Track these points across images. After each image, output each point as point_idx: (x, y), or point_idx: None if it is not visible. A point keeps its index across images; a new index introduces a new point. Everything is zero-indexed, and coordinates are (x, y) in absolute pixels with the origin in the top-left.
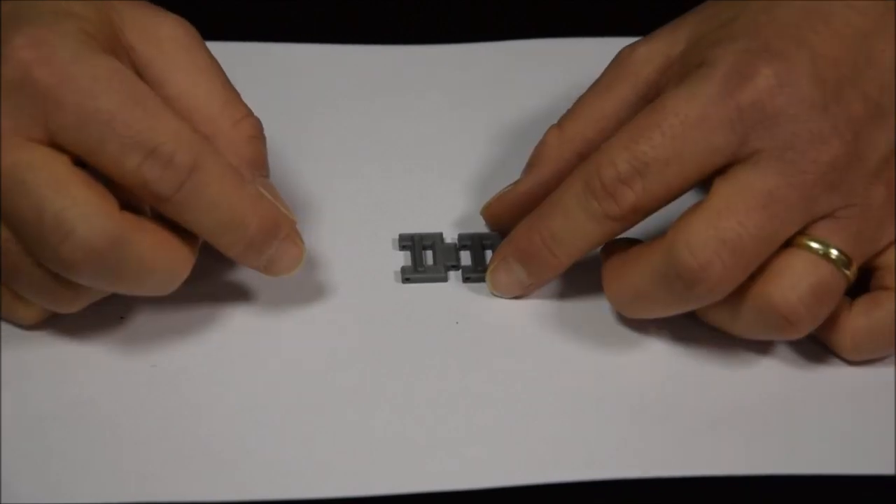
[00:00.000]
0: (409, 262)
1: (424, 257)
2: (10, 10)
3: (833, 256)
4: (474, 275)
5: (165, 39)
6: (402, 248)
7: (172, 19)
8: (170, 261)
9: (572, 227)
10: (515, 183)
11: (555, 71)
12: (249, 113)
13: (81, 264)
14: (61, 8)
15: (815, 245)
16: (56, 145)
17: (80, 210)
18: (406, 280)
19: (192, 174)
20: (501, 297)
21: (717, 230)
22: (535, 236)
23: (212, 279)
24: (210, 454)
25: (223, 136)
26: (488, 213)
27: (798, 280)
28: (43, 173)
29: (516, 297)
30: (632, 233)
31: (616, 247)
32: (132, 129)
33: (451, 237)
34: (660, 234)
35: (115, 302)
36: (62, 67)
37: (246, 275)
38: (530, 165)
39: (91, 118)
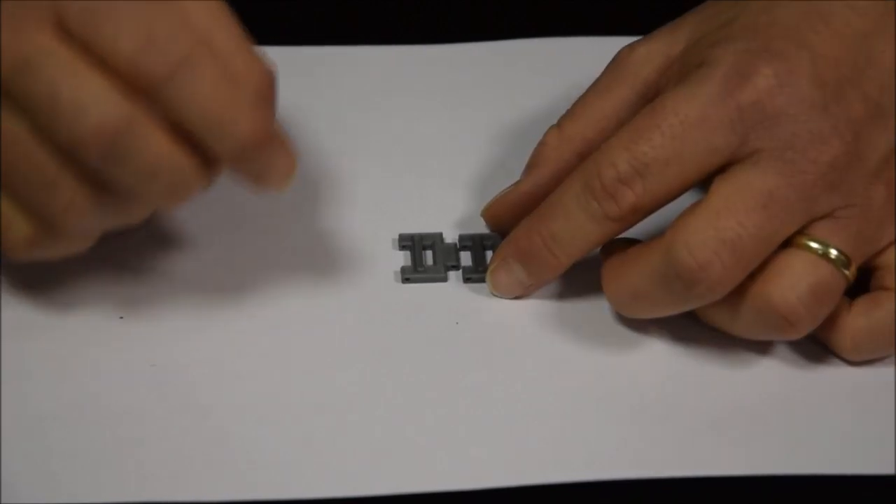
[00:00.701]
0: (409, 262)
1: (424, 257)
2: None
3: (832, 256)
4: (475, 275)
5: None
6: (402, 248)
7: None
8: (179, 161)
9: (572, 227)
10: (515, 184)
11: (555, 71)
12: (263, 61)
13: (94, 140)
14: None
15: (814, 245)
16: (63, 31)
17: (95, 90)
18: (406, 280)
19: (185, 65)
20: (502, 297)
21: (716, 230)
22: (535, 237)
23: (212, 279)
24: (210, 454)
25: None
26: (488, 214)
27: (797, 280)
28: (58, 57)
29: (516, 298)
30: (631, 233)
31: (615, 247)
32: (131, 16)
33: (451, 237)
34: (659, 234)
35: (116, 302)
36: None
37: (246, 275)
38: (530, 166)
39: (98, 6)
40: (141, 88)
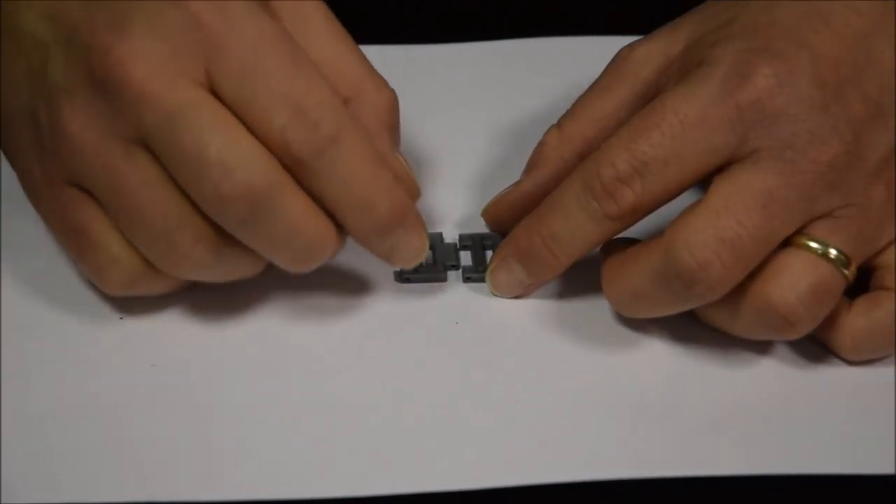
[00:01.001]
0: None
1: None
2: None
3: (832, 256)
4: (475, 275)
5: (307, 8)
6: None
7: None
8: (316, 230)
9: (572, 227)
10: (515, 184)
11: (555, 71)
12: (387, 84)
13: (238, 202)
14: None
15: (814, 245)
16: (213, 93)
17: (244, 151)
18: (405, 280)
19: (333, 143)
20: (501, 297)
21: (716, 229)
22: (535, 236)
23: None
24: (210, 454)
25: (368, 100)
26: (489, 214)
27: (797, 280)
28: (207, 112)
29: (516, 297)
30: (631, 232)
31: (615, 246)
32: (285, 89)
33: (451, 237)
34: (658, 234)
35: (115, 302)
36: (232, 17)
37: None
38: (530, 166)
39: (251, 70)
40: (288, 160)
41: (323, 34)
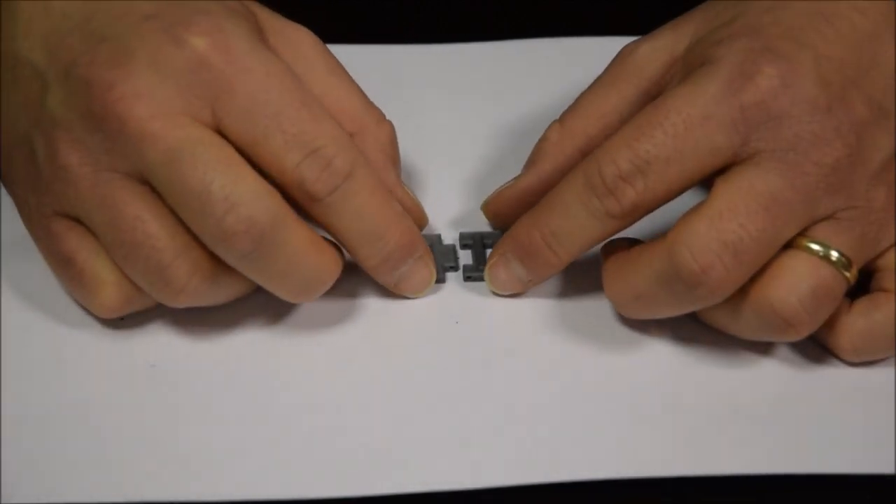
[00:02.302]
0: None
1: None
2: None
3: (833, 258)
4: (475, 274)
5: (304, 45)
6: None
7: (300, 27)
8: (319, 261)
9: (573, 224)
10: (516, 178)
11: (555, 71)
12: (384, 116)
13: (242, 237)
14: (226, 4)
15: (815, 247)
16: (219, 132)
17: (248, 187)
18: None
19: (347, 179)
20: (500, 293)
21: (718, 232)
22: (535, 233)
23: None
24: (210, 454)
25: (370, 134)
26: (488, 209)
27: (798, 282)
28: (212, 150)
29: (514, 295)
30: (632, 231)
31: (616, 247)
32: (297, 128)
33: (451, 237)
34: (661, 235)
35: None
36: (238, 57)
37: None
38: (531, 161)
39: (260, 110)
40: (300, 196)
41: (321, 69)
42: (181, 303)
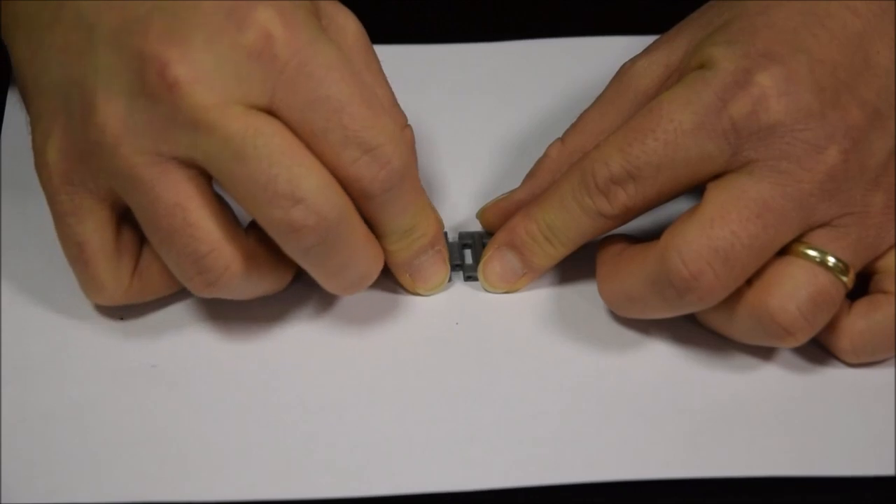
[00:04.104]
0: None
1: None
2: None
3: (830, 264)
4: (475, 273)
5: (350, 34)
6: None
7: (349, 13)
8: (372, 256)
9: (568, 218)
10: (513, 191)
11: (555, 71)
12: (407, 120)
13: (309, 231)
14: None
15: (812, 253)
16: (275, 113)
17: (315, 179)
18: None
19: (401, 179)
20: (493, 291)
21: (709, 239)
22: (532, 225)
23: None
24: (210, 454)
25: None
26: (483, 217)
27: (796, 289)
28: (276, 139)
29: (513, 294)
30: (630, 227)
31: (611, 245)
32: (357, 125)
33: (450, 236)
34: (654, 237)
35: None
36: (302, 47)
37: None
38: (530, 175)
39: (321, 104)
40: (355, 192)
41: (360, 62)
42: (209, 293)
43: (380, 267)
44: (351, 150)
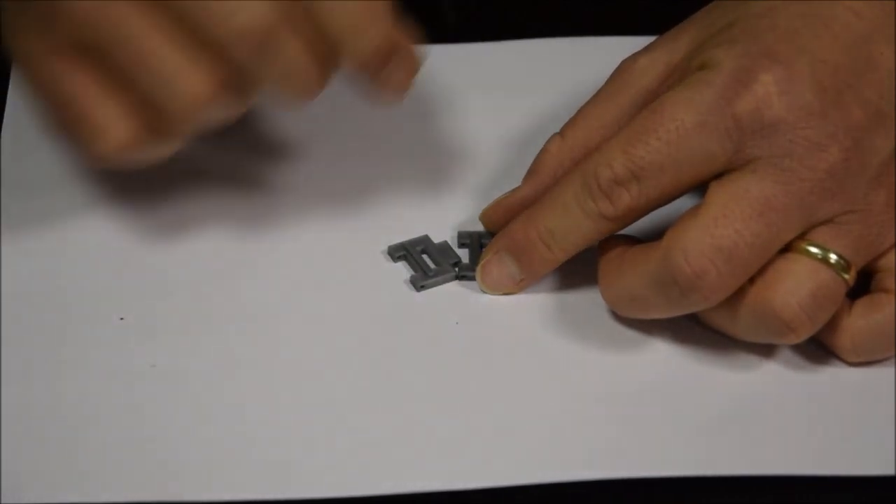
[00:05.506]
0: (407, 272)
1: (426, 262)
2: None
3: (832, 261)
4: (469, 273)
5: None
6: (397, 258)
7: None
8: (310, 65)
9: (568, 223)
10: (515, 189)
11: (555, 71)
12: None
13: (245, 40)
14: None
15: (814, 250)
16: None
17: None
18: (421, 287)
19: None
20: (491, 293)
21: (712, 237)
22: (532, 230)
23: (211, 280)
24: (210, 454)
25: None
26: (486, 217)
27: (798, 286)
28: None
29: (512, 295)
30: (630, 230)
31: (612, 246)
32: None
33: (448, 236)
34: (656, 237)
35: (115, 302)
36: None
37: (245, 275)
38: (531, 172)
39: None
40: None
41: None
42: (185, 117)
43: (324, 81)
44: None
